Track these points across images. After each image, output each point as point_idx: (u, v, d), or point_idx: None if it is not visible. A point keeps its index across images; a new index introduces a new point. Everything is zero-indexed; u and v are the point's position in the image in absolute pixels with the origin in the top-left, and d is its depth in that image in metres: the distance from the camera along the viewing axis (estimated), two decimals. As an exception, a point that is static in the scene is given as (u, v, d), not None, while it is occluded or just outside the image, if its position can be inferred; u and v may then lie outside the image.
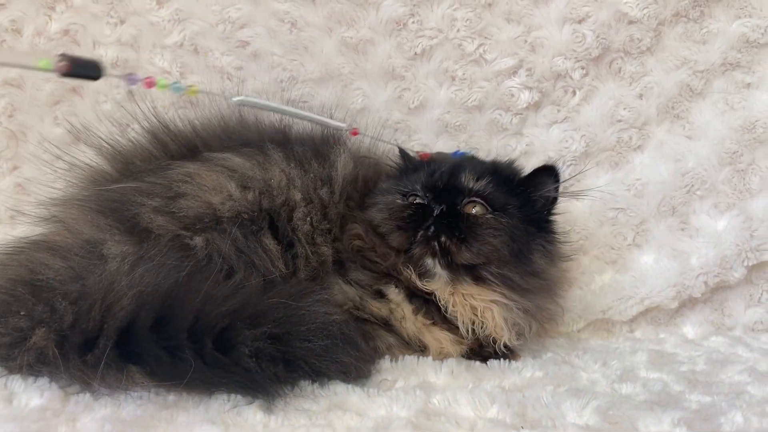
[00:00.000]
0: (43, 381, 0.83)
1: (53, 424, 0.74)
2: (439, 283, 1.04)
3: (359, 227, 1.08)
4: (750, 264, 1.31)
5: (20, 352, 0.84)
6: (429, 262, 1.03)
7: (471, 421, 0.81)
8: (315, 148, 1.13)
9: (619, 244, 1.36)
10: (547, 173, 1.10)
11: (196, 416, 0.77)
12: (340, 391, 0.86)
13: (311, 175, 1.08)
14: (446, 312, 1.04)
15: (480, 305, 1.03)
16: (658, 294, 1.30)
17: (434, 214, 1.03)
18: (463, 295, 1.03)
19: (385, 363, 0.99)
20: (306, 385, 0.87)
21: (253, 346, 0.83)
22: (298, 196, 1.05)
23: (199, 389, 0.82)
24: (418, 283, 1.04)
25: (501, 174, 1.11)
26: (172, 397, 0.82)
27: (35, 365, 0.84)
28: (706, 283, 1.31)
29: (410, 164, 1.17)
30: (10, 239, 1.02)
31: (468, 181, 1.06)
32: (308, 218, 1.05)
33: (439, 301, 1.04)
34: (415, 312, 1.04)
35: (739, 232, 1.31)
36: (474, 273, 1.04)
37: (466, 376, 0.96)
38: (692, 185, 1.34)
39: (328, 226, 1.07)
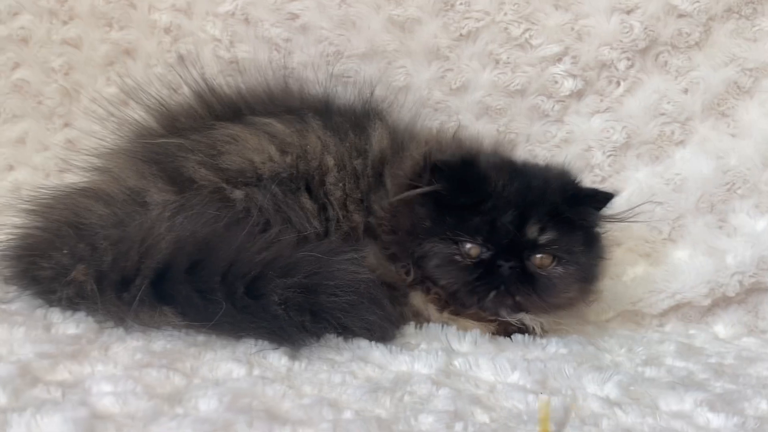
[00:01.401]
0: (81, 314, 0.87)
1: (87, 349, 0.77)
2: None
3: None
4: (789, 267, 1.28)
5: (61, 285, 0.89)
6: (503, 312, 1.05)
7: (490, 384, 0.82)
8: (354, 120, 1.14)
9: (654, 237, 1.34)
10: (603, 200, 1.09)
11: (222, 355, 0.80)
12: (364, 345, 0.88)
13: (347, 144, 1.10)
14: None
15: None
16: (691, 290, 1.28)
17: (505, 274, 1.01)
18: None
19: (410, 328, 1.00)
20: (331, 338, 0.89)
21: (282, 294, 0.85)
22: (331, 162, 1.07)
23: (227, 332, 0.85)
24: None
25: (562, 212, 1.04)
26: (201, 337, 0.85)
27: (74, 299, 0.88)
28: (741, 282, 1.27)
29: (452, 187, 1.02)
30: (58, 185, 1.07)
31: (533, 232, 1.03)
32: (341, 184, 1.07)
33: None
34: (440, 311, 1.05)
35: (778, 234, 1.28)
36: None
37: (489, 347, 0.96)
38: (733, 183, 1.31)
39: (360, 196, 1.09)
